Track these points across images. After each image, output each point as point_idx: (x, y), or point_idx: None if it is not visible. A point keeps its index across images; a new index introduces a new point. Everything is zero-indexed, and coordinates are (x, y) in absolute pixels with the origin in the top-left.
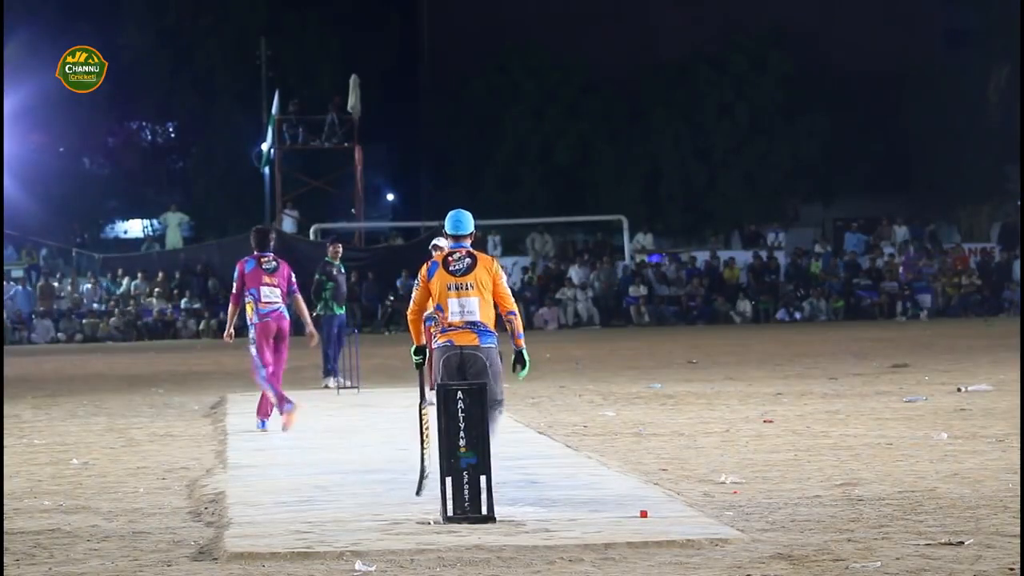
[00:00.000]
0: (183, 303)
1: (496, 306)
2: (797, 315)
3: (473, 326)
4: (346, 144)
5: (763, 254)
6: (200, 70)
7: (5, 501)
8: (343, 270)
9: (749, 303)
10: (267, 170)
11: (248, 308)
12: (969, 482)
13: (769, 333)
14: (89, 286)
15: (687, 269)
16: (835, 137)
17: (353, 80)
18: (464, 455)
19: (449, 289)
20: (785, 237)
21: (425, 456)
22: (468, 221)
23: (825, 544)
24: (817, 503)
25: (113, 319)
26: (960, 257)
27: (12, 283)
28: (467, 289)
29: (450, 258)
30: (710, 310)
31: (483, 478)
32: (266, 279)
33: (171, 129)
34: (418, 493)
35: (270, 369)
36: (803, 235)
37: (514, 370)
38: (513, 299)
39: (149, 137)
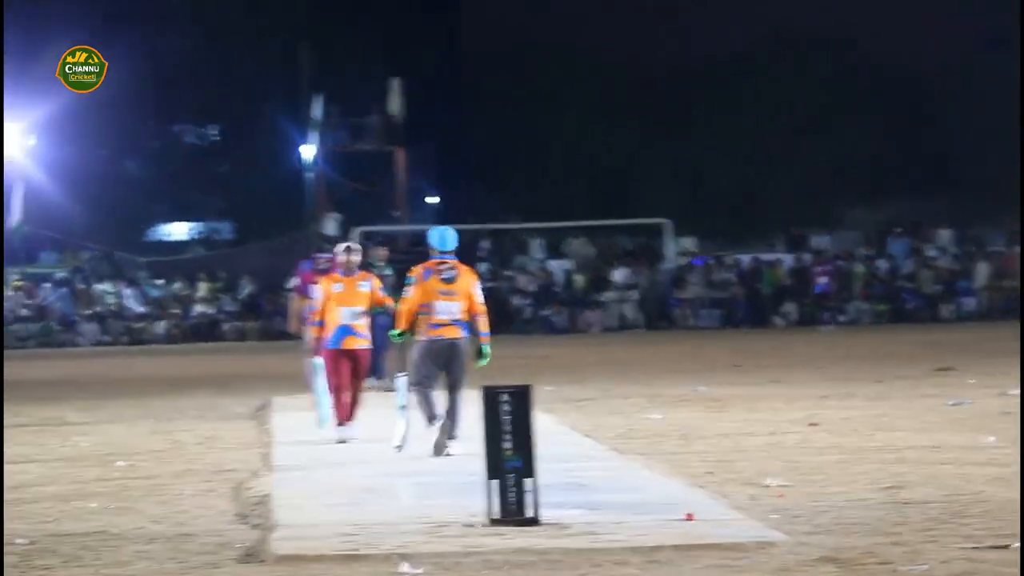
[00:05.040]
0: (227, 305)
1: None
2: (841, 318)
3: (457, 323)
4: (388, 147)
5: (807, 257)
6: (244, 73)
7: (51, 503)
8: (388, 272)
9: (794, 306)
10: (310, 173)
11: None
12: (1015, 485)
13: (813, 336)
14: (131, 290)
15: (733, 271)
16: (880, 140)
17: (395, 83)
18: (509, 458)
19: (440, 294)
20: (829, 240)
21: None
22: (454, 238)
23: (871, 547)
24: (863, 506)
25: (158, 322)
26: (1007, 258)
27: (51, 285)
28: (454, 295)
29: (440, 267)
30: (754, 313)
31: (528, 480)
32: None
33: (214, 132)
34: (400, 448)
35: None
36: (847, 238)
37: (476, 359)
38: (483, 303)
39: (192, 140)
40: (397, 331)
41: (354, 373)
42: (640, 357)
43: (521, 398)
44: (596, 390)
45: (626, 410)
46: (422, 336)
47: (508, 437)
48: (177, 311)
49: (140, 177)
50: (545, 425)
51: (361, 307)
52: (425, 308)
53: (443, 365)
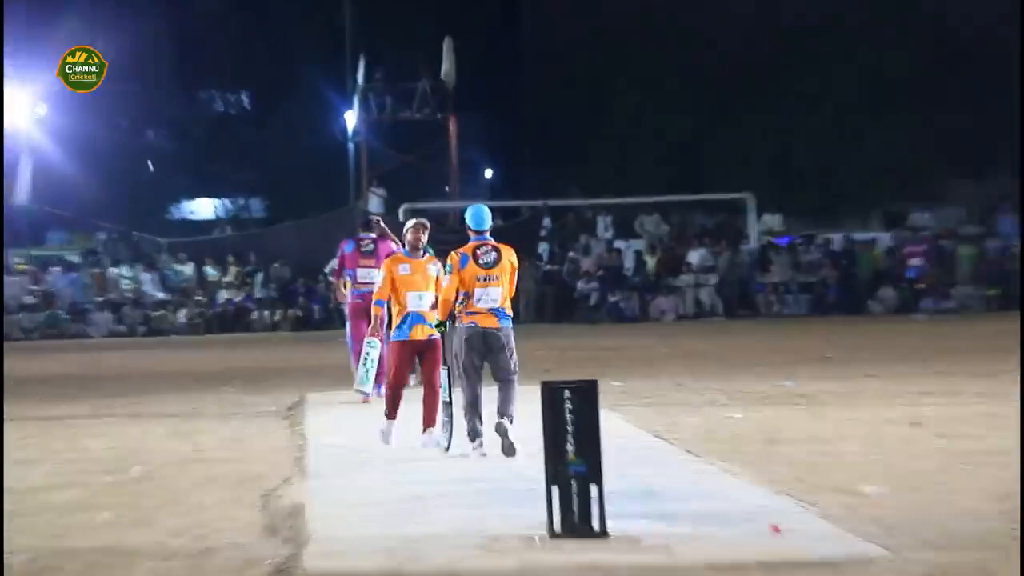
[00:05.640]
0: (257, 292)
1: None
2: (945, 304)
3: (494, 311)
4: (439, 115)
5: (906, 236)
6: (278, 33)
7: (56, 514)
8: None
9: (892, 291)
10: (352, 144)
11: (347, 286)
12: None
13: (910, 325)
14: (150, 274)
15: (823, 252)
16: (985, 106)
17: (447, 44)
18: (573, 463)
19: (478, 280)
20: (931, 217)
21: (452, 413)
22: (489, 216)
23: (982, 563)
24: (972, 517)
25: (180, 310)
26: None
27: (60, 269)
28: (494, 280)
29: (478, 251)
30: (847, 299)
31: (594, 488)
32: (362, 261)
33: (245, 99)
34: (447, 448)
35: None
36: (951, 215)
37: None
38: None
39: (220, 107)
40: (435, 322)
41: (426, 366)
42: (719, 348)
43: (586, 395)
44: (669, 385)
45: (703, 408)
46: (461, 325)
47: (571, 439)
48: (201, 298)
49: (162, 149)
50: (612, 425)
51: (431, 292)
52: (463, 296)
53: (487, 356)
